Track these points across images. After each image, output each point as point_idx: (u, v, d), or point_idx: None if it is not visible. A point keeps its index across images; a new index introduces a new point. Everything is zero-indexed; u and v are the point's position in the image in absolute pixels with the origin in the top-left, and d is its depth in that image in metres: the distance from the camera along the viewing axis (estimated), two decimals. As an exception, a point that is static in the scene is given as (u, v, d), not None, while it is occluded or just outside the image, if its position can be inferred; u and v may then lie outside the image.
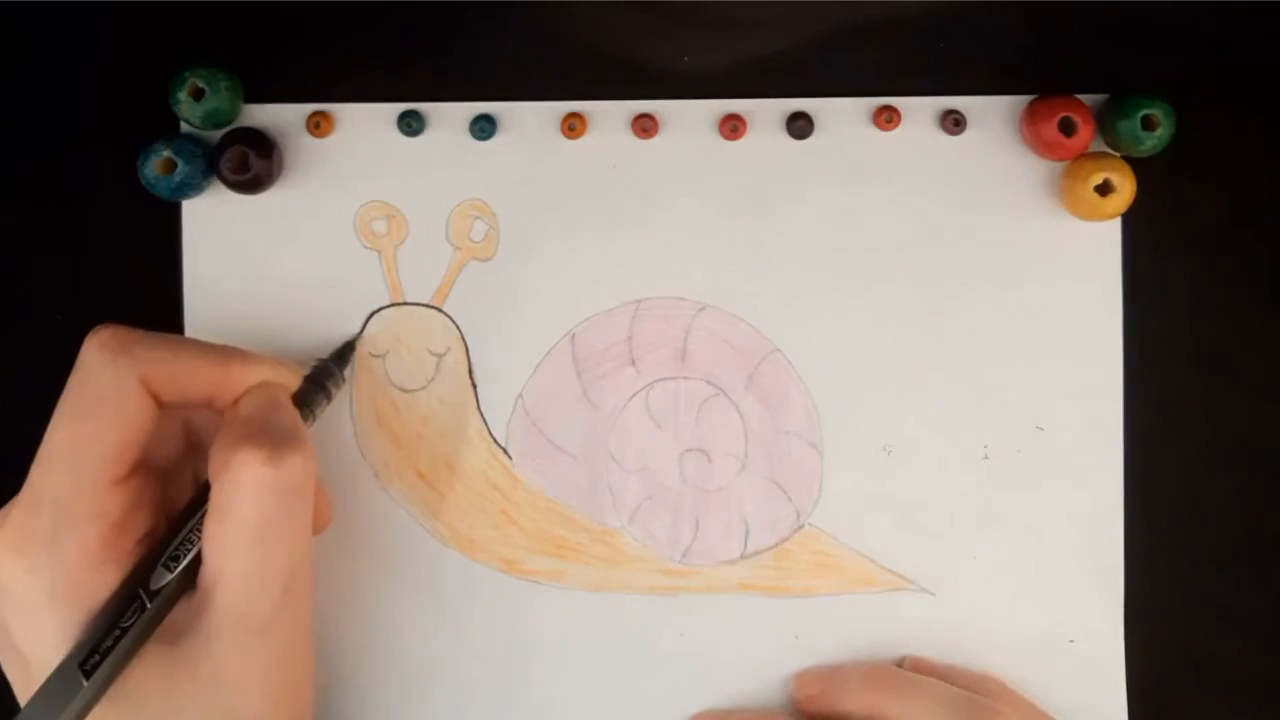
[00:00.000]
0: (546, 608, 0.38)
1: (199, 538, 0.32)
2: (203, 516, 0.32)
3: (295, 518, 0.32)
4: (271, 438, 0.32)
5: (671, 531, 0.38)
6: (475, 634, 0.38)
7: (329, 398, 0.36)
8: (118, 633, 0.30)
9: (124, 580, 0.31)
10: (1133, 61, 0.38)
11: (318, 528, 0.36)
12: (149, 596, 0.31)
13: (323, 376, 0.36)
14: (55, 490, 0.31)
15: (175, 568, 0.32)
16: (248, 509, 0.31)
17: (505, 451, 0.39)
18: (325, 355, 0.37)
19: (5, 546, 0.31)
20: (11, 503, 0.32)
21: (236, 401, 0.33)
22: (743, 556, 0.39)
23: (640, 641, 0.38)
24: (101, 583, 0.31)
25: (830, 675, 0.37)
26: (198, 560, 0.32)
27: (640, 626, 0.38)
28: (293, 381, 0.35)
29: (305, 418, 0.35)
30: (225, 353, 0.33)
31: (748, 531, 0.39)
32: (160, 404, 0.32)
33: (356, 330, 0.38)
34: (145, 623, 0.31)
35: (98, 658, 0.30)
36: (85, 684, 0.29)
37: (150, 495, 0.33)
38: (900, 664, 0.38)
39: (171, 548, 0.32)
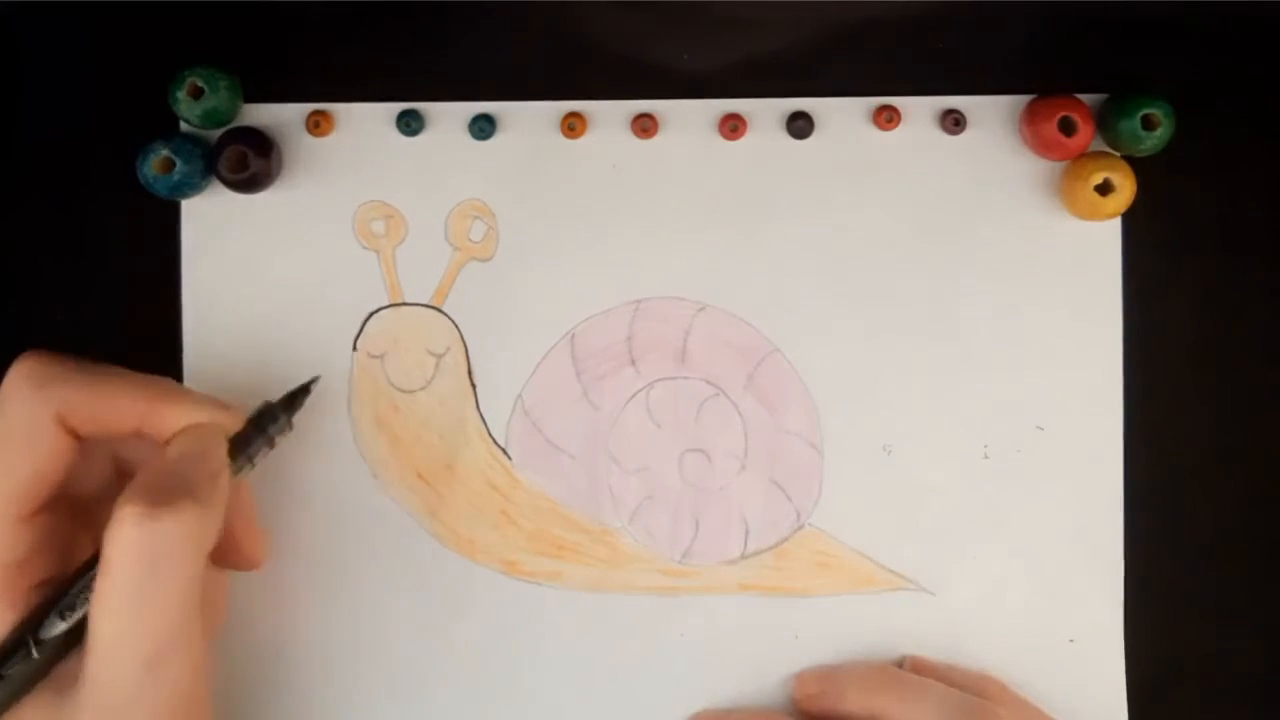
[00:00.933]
0: (546, 608, 0.38)
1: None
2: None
3: (171, 584, 0.29)
4: (162, 492, 0.29)
5: (671, 532, 0.38)
6: (475, 635, 0.38)
7: (271, 445, 0.34)
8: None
9: (15, 625, 0.30)
10: (1133, 61, 0.38)
11: (247, 565, 0.34)
12: (37, 646, 0.29)
13: (266, 421, 0.34)
14: None
15: (70, 616, 0.30)
16: (119, 564, 0.28)
17: (505, 452, 0.38)
18: (274, 399, 0.36)
19: None
20: None
21: (167, 442, 0.31)
22: (743, 556, 0.39)
23: (640, 641, 0.38)
24: (2, 625, 0.30)
25: (830, 675, 0.37)
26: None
27: (640, 626, 0.38)
28: (231, 424, 0.33)
29: (240, 466, 0.33)
30: (155, 389, 0.32)
31: (748, 531, 0.39)
32: (79, 438, 0.31)
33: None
34: (29, 673, 0.29)
35: None
36: None
37: (60, 534, 0.31)
38: (900, 664, 0.38)
39: (69, 596, 0.30)
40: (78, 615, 0.30)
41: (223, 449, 0.32)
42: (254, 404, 0.35)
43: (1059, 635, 0.38)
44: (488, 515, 0.38)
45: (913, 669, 0.38)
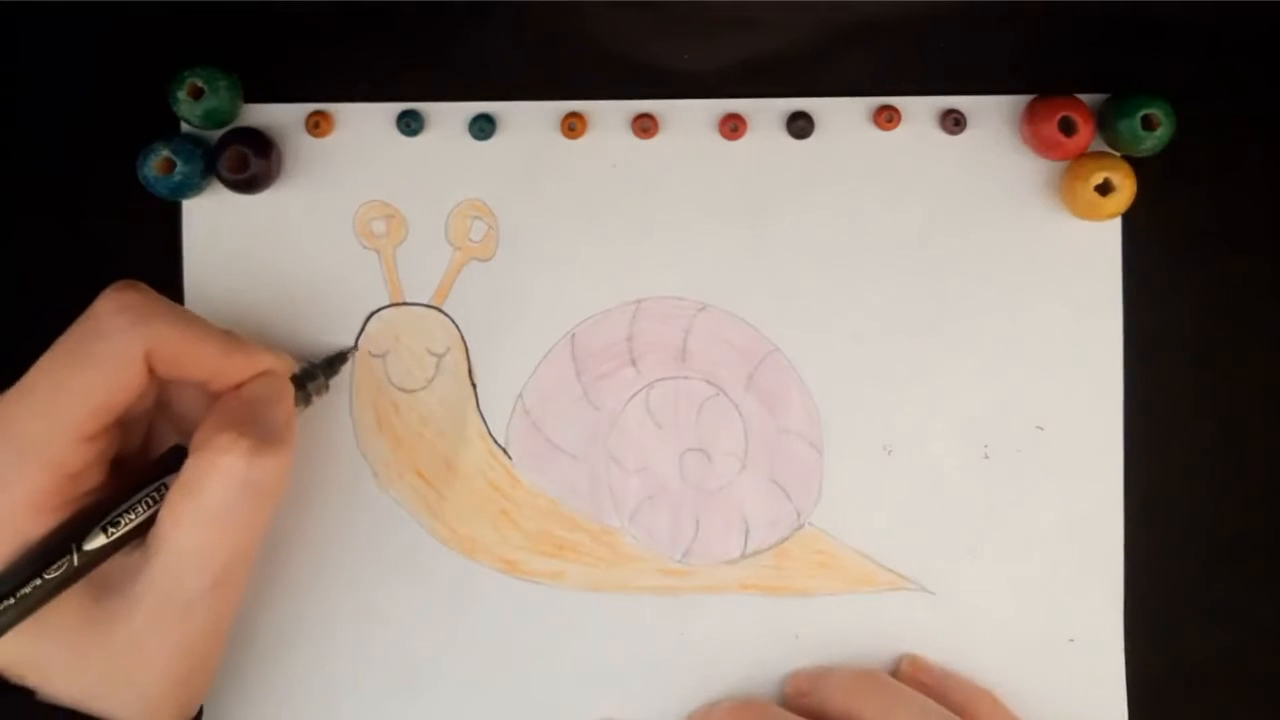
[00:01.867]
0: (546, 608, 0.38)
1: (146, 508, 0.32)
2: (158, 487, 0.32)
3: (254, 517, 0.32)
4: (260, 432, 0.32)
5: (671, 531, 0.38)
6: (475, 634, 0.38)
7: (307, 403, 0.36)
8: (38, 580, 0.30)
9: (58, 529, 0.31)
10: (1133, 61, 0.38)
11: None
12: (79, 554, 0.31)
13: (306, 379, 0.36)
14: (25, 430, 0.31)
15: (114, 533, 0.31)
16: (213, 492, 0.31)
17: (505, 452, 0.38)
18: (317, 360, 0.37)
19: None
20: None
21: (239, 386, 0.33)
22: (743, 556, 0.39)
23: (640, 641, 0.38)
24: (39, 524, 0.31)
25: (820, 676, 0.37)
26: (137, 530, 0.32)
27: (640, 626, 0.38)
28: (289, 369, 0.35)
29: (302, 403, 0.36)
30: (230, 341, 0.33)
31: (748, 531, 0.39)
32: (154, 376, 0.32)
33: (351, 342, 0.38)
34: (67, 578, 0.31)
35: (12, 600, 0.30)
36: None
37: (109, 451, 0.33)
38: (899, 663, 0.38)
39: (114, 513, 0.32)
40: (121, 531, 0.32)
41: (291, 395, 0.35)
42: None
43: (1059, 635, 0.38)
44: (488, 515, 0.38)
45: (911, 668, 0.38)
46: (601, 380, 0.39)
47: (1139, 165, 0.37)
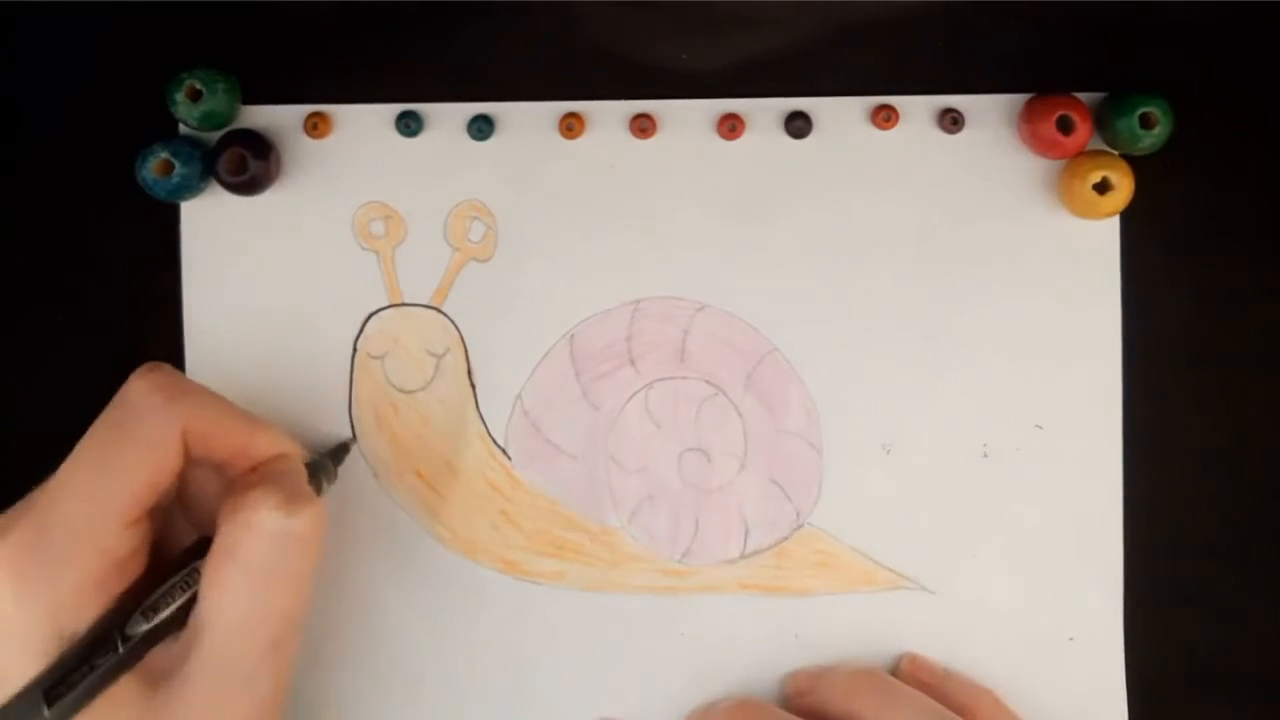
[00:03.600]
0: (546, 608, 0.38)
1: (181, 592, 0.32)
2: (190, 571, 0.32)
3: (298, 571, 0.32)
4: (288, 489, 0.32)
5: (671, 531, 0.38)
6: (475, 635, 0.38)
7: (319, 491, 0.36)
8: (87, 669, 0.30)
9: (102, 618, 0.31)
10: (1130, 59, 0.38)
11: None
12: (123, 641, 0.31)
13: (318, 468, 0.36)
14: (70, 518, 0.30)
15: (153, 618, 0.31)
16: (254, 552, 0.31)
17: (504, 452, 0.39)
18: (321, 451, 0.37)
19: (3, 569, 0.30)
20: (7, 517, 0.31)
21: (255, 468, 0.33)
22: (742, 556, 0.39)
23: (640, 641, 0.38)
24: (85, 616, 0.30)
25: (820, 675, 0.37)
26: (177, 613, 0.31)
27: (640, 626, 0.38)
28: (303, 456, 0.35)
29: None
30: (254, 420, 0.33)
31: (747, 531, 0.39)
32: (187, 456, 0.32)
33: (349, 434, 0.38)
34: (115, 666, 0.30)
35: (63, 689, 0.30)
36: (47, 713, 0.29)
37: (150, 538, 0.32)
38: (899, 662, 0.38)
39: (153, 598, 0.31)
40: (162, 615, 0.31)
41: (305, 472, 0.34)
42: (257, 410, 0.36)
43: (1059, 634, 0.38)
44: (488, 515, 0.38)
45: (911, 668, 0.38)
46: (601, 380, 0.39)
47: (1137, 164, 0.37)
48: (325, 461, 0.36)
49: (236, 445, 0.33)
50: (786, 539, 0.39)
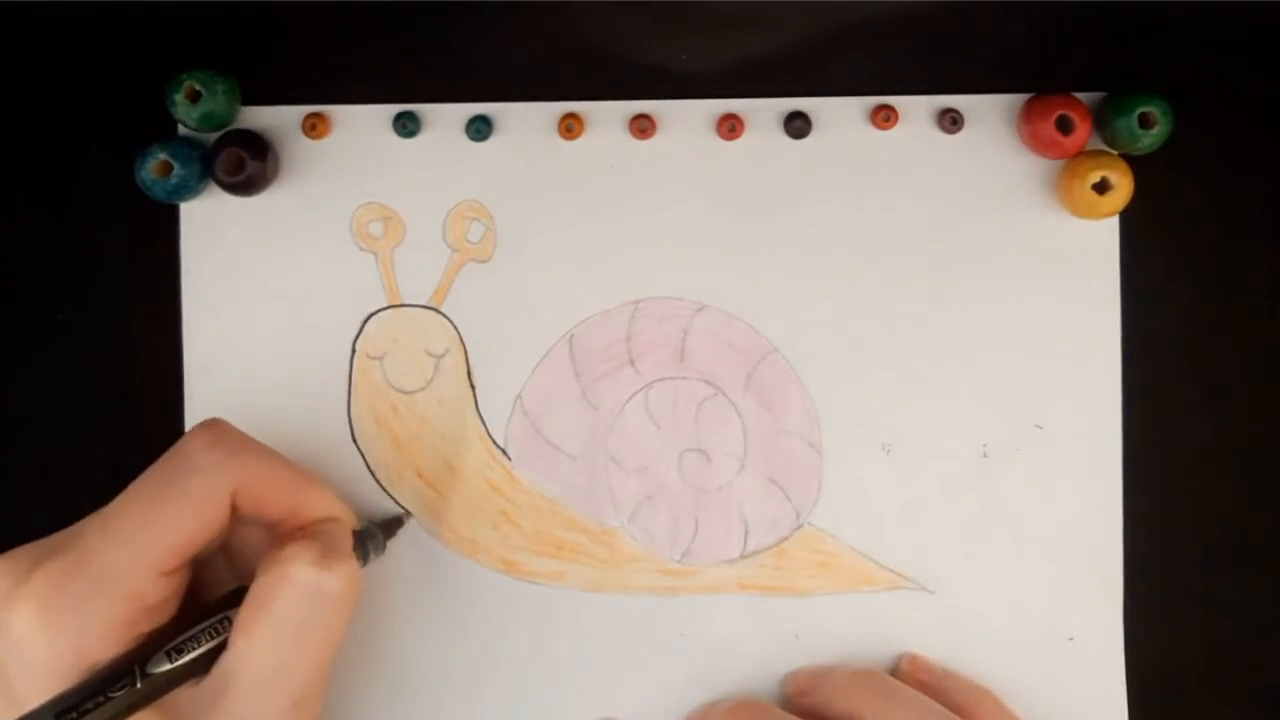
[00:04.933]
0: (546, 608, 0.38)
1: (210, 638, 0.32)
2: (222, 619, 0.32)
3: (328, 629, 0.32)
4: (326, 546, 0.32)
5: (671, 531, 0.38)
6: (475, 635, 0.38)
7: (364, 561, 0.35)
8: (102, 699, 0.30)
9: (125, 653, 0.31)
10: (1130, 59, 0.38)
11: None
12: (142, 677, 0.31)
13: (367, 537, 0.36)
14: (109, 561, 0.31)
15: (177, 659, 0.31)
16: (287, 604, 0.31)
17: (504, 452, 0.39)
18: (375, 520, 0.37)
19: (35, 599, 0.30)
20: (48, 546, 0.31)
21: (302, 527, 0.33)
22: (742, 556, 0.39)
23: (640, 641, 0.38)
24: (110, 653, 0.31)
25: (821, 675, 0.37)
26: (202, 657, 0.32)
27: (640, 626, 0.38)
28: (353, 521, 0.35)
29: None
30: (308, 480, 0.34)
31: (747, 531, 0.39)
32: (235, 514, 0.32)
33: (401, 511, 0.38)
34: (132, 700, 0.30)
35: (74, 715, 0.30)
36: None
37: (184, 586, 0.33)
38: (899, 662, 0.38)
39: (180, 639, 0.31)
40: (186, 658, 0.31)
41: (351, 537, 0.34)
42: (256, 411, 0.37)
43: (1059, 634, 0.38)
44: (488, 515, 0.38)
45: (911, 668, 0.38)
46: (600, 380, 0.39)
47: (1136, 163, 0.37)
48: (375, 531, 0.36)
49: (288, 506, 0.33)
50: (786, 539, 0.39)
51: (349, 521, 0.35)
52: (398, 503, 0.38)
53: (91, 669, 0.30)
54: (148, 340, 0.38)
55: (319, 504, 0.34)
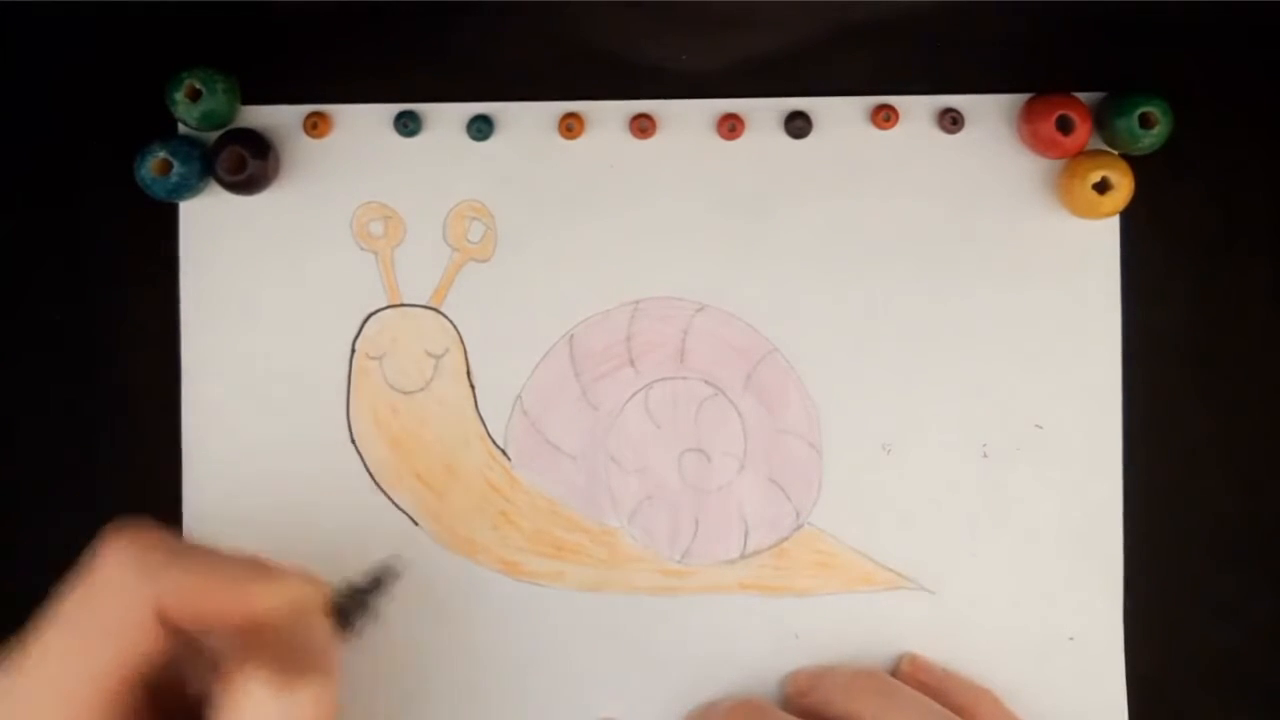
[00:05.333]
0: (546, 609, 0.38)
1: None
2: None
3: None
4: (286, 661, 0.28)
5: (671, 531, 0.38)
6: (475, 636, 0.38)
7: (350, 629, 0.33)
8: None
9: None
10: (1130, 59, 0.38)
11: None
12: None
13: (350, 607, 0.33)
14: (38, 704, 0.28)
15: None
16: None
17: (504, 453, 0.38)
18: (359, 581, 0.34)
19: None
20: None
21: (257, 624, 0.30)
22: (742, 556, 0.39)
23: (640, 641, 0.38)
24: None
25: (821, 675, 0.37)
26: None
27: (640, 626, 0.38)
28: (321, 594, 0.31)
29: (345, 636, 0.32)
30: (250, 572, 0.30)
31: (747, 531, 0.38)
32: (169, 630, 0.29)
33: (389, 555, 0.36)
34: None
35: None
36: None
37: (142, 702, 0.30)
38: (899, 662, 0.38)
39: None
40: None
41: (324, 620, 0.31)
42: (255, 411, 0.36)
43: (1059, 633, 0.38)
44: (487, 516, 0.38)
45: (911, 668, 0.38)
46: (600, 381, 0.39)
47: (1137, 163, 0.37)
48: (359, 595, 0.33)
49: (230, 607, 0.29)
50: (786, 539, 0.38)
51: (316, 598, 0.31)
52: (401, 507, 0.38)
53: None
54: (147, 339, 0.38)
55: (270, 592, 0.30)
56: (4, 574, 0.38)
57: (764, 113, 0.38)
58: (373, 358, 0.38)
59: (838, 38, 0.38)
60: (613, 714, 0.38)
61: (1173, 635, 0.38)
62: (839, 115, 0.38)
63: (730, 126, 0.38)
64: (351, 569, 0.38)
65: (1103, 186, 0.37)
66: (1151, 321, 0.38)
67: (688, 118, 0.38)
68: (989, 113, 0.38)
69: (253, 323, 0.38)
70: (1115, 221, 0.38)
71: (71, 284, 0.38)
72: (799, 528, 0.38)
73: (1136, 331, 0.38)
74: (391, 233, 0.38)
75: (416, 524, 0.38)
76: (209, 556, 0.30)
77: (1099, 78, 0.38)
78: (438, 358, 0.39)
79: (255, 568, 0.30)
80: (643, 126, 0.38)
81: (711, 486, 0.39)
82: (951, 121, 0.38)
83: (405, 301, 0.39)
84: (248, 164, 0.37)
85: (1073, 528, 0.38)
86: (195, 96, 0.36)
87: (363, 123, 0.38)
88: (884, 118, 0.38)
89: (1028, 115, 0.38)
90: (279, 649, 0.29)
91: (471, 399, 0.38)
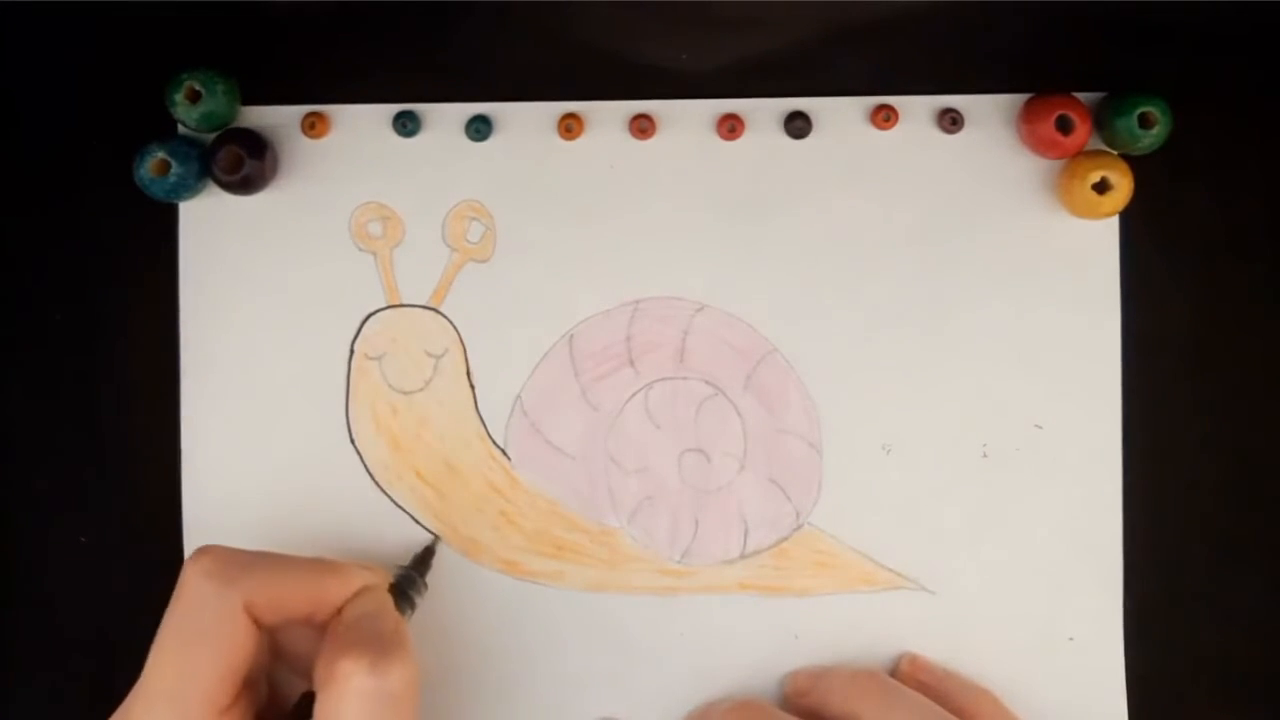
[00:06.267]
0: (546, 609, 0.38)
1: None
2: None
3: None
4: (375, 646, 0.31)
5: (671, 531, 0.38)
6: (475, 635, 0.38)
7: (412, 607, 0.36)
8: None
9: None
10: (1129, 59, 0.38)
11: None
12: None
13: (406, 585, 0.36)
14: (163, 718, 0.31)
15: None
16: (353, 717, 0.30)
17: (504, 453, 0.38)
18: (405, 562, 0.37)
19: None
20: None
21: (340, 610, 0.33)
22: (742, 556, 0.39)
23: (640, 641, 0.38)
24: None
25: (820, 675, 0.37)
26: None
27: (640, 626, 0.38)
28: (385, 581, 0.35)
29: (407, 612, 0.35)
30: (319, 567, 0.33)
31: (747, 531, 0.39)
32: (261, 627, 0.32)
33: (432, 537, 0.38)
34: None
35: None
36: None
37: (252, 709, 0.32)
38: (899, 663, 0.38)
39: None
40: None
41: (391, 603, 0.34)
42: (254, 412, 0.37)
43: (1059, 634, 0.38)
44: (487, 516, 0.38)
45: (910, 668, 0.38)
46: (600, 381, 0.39)
47: (1136, 164, 0.37)
48: (412, 575, 0.36)
49: (309, 600, 0.33)
50: (786, 539, 0.39)
51: (382, 583, 0.34)
52: (401, 507, 0.38)
53: None
54: (145, 339, 0.38)
55: (342, 585, 0.33)
56: (4, 574, 0.38)
57: (764, 113, 0.38)
58: (372, 358, 0.38)
59: (838, 38, 0.38)
60: (613, 714, 0.38)
61: (1173, 635, 0.38)
62: (839, 115, 0.38)
63: (730, 127, 0.38)
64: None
65: (1102, 187, 0.37)
66: (1151, 321, 0.38)
67: (687, 118, 0.38)
68: (989, 113, 0.38)
69: (252, 323, 0.38)
70: (1115, 221, 0.38)
71: (71, 284, 0.38)
72: (799, 528, 0.39)
73: (1136, 331, 0.38)
74: (390, 233, 0.38)
75: (417, 523, 0.38)
76: (280, 560, 0.33)
77: (1099, 78, 0.38)
78: (437, 358, 0.39)
79: (323, 564, 0.33)
80: (642, 127, 0.38)
81: (711, 486, 0.39)
82: (951, 122, 0.38)
83: (404, 302, 0.39)
84: (244, 164, 0.37)
85: (1073, 528, 0.38)
86: (195, 98, 0.36)
87: (361, 123, 0.38)
88: (884, 118, 0.38)
89: (1027, 115, 0.38)
90: (364, 636, 0.31)
91: (471, 399, 0.38)
